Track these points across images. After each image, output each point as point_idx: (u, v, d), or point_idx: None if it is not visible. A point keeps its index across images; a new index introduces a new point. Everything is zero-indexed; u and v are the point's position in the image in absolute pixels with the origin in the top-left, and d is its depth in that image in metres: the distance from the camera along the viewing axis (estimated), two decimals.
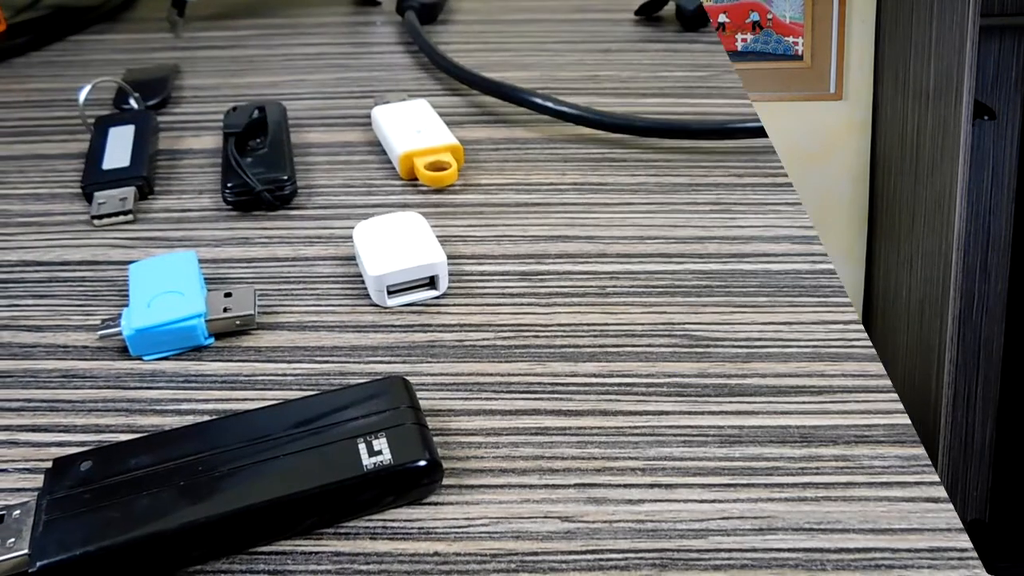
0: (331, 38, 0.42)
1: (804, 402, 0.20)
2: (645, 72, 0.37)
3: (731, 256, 0.25)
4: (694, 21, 0.41)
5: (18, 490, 0.18)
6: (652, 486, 0.18)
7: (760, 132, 0.30)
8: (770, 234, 0.26)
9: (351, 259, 0.25)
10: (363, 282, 0.24)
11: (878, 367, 0.21)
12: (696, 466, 0.18)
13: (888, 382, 0.20)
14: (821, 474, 0.18)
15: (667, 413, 0.20)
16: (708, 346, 0.22)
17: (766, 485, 0.18)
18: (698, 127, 0.30)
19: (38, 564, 0.16)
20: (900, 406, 0.20)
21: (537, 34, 0.42)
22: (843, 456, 0.19)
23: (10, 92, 0.37)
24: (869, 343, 0.22)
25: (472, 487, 0.18)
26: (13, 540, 0.16)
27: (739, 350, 0.22)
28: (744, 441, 0.19)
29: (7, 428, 0.20)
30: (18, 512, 0.17)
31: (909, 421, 0.19)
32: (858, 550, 0.17)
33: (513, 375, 0.21)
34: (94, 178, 0.29)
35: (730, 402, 0.20)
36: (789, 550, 0.17)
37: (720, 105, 0.34)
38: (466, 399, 0.20)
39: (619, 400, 0.20)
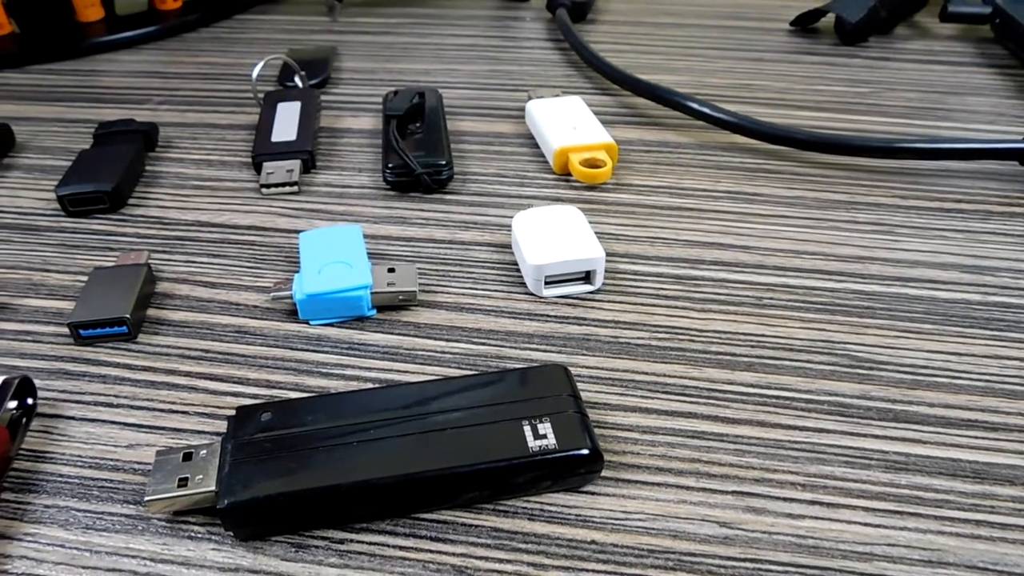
0: (481, 31, 0.43)
1: (977, 437, 0.19)
2: (800, 84, 0.36)
3: (894, 279, 0.24)
4: (854, 35, 0.39)
5: (198, 432, 0.20)
6: (813, 503, 0.18)
7: (927, 154, 0.29)
8: (937, 260, 0.25)
9: (506, 247, 0.26)
10: (518, 270, 0.25)
11: None
12: (859, 488, 0.18)
13: None
14: (996, 513, 0.17)
15: (828, 431, 0.19)
16: (871, 368, 0.21)
17: (936, 517, 0.17)
18: (861, 144, 0.29)
19: (226, 501, 0.17)
20: None
21: (686, 38, 0.42)
22: (1021, 498, 0.18)
23: (183, 64, 0.40)
24: None
25: (628, 482, 0.18)
26: (201, 477, 0.17)
27: (904, 376, 0.21)
28: (911, 469, 0.18)
29: (188, 374, 0.21)
30: (204, 452, 0.18)
31: None
32: None
33: (668, 376, 0.21)
34: (264, 149, 0.30)
35: (895, 427, 0.19)
36: None
37: (880, 123, 0.33)
38: (622, 395, 0.20)
39: (777, 413, 0.20)
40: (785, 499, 0.18)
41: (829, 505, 0.18)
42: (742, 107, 0.34)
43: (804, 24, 0.42)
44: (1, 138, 0.32)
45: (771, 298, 0.23)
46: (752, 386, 0.21)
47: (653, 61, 0.39)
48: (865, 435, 0.19)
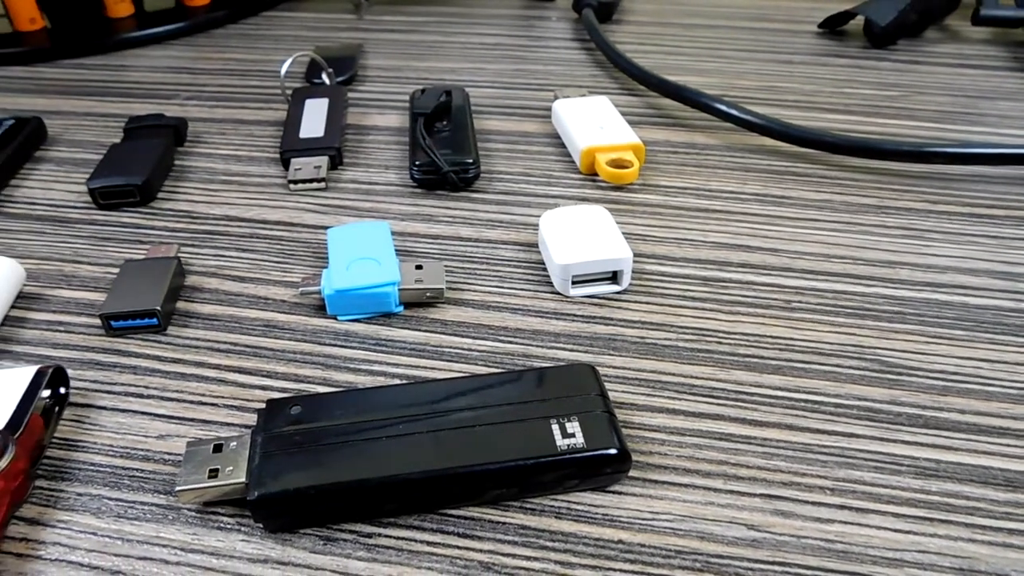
0: (507, 30, 0.43)
1: (1009, 445, 0.19)
2: (828, 87, 0.36)
3: (924, 284, 0.24)
4: (883, 38, 0.39)
5: (227, 424, 0.20)
6: (842, 507, 0.18)
7: (958, 159, 0.28)
8: (968, 266, 0.25)
9: (532, 246, 0.26)
10: (544, 269, 0.25)
11: None
12: (889, 494, 0.18)
13: None
14: None
15: (857, 436, 0.19)
16: (901, 374, 0.21)
17: (966, 525, 0.17)
18: (891, 148, 0.29)
19: (256, 493, 0.17)
20: None
21: (713, 40, 0.41)
22: None
23: (211, 60, 0.40)
24: None
25: (656, 482, 0.18)
26: (231, 468, 0.18)
27: (934, 382, 0.21)
28: (941, 476, 0.18)
29: (217, 367, 0.22)
30: (235, 444, 0.18)
31: None
32: None
33: (696, 378, 0.21)
34: (291, 145, 0.31)
35: (925, 434, 0.19)
36: None
37: (910, 127, 0.33)
38: (648, 395, 0.20)
39: (806, 416, 0.20)
40: (814, 503, 0.18)
41: (858, 510, 0.17)
42: (770, 109, 0.34)
43: (833, 26, 0.41)
44: (33, 131, 0.32)
45: (799, 301, 0.23)
46: (780, 389, 0.20)
47: (680, 62, 0.39)
48: (895, 441, 0.19)
